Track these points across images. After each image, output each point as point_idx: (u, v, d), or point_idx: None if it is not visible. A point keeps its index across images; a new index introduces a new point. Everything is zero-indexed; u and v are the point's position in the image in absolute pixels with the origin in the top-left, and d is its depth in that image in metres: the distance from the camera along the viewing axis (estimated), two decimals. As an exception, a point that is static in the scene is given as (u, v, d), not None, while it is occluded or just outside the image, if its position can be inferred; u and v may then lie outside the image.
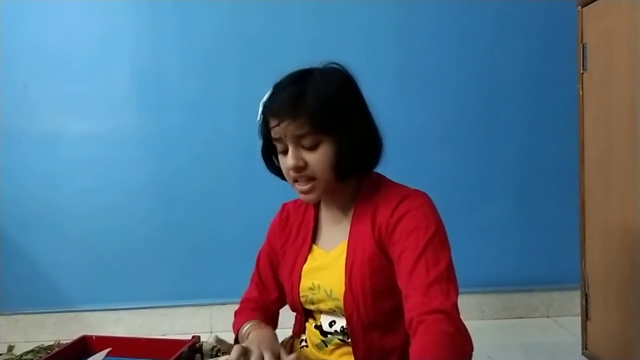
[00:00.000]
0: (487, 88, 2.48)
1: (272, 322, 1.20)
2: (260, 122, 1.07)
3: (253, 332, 1.07)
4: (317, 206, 1.17)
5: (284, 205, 1.25)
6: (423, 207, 1.02)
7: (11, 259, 2.45)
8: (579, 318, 1.97)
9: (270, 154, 1.11)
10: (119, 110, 2.48)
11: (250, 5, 2.45)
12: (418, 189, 1.07)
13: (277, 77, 1.05)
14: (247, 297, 1.24)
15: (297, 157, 1.00)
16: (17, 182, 2.45)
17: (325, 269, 1.09)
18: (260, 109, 1.04)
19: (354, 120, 1.02)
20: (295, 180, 1.04)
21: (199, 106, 2.47)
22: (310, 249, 1.13)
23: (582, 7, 1.86)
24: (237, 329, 1.15)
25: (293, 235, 1.18)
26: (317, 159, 1.00)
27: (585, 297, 1.93)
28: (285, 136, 1.00)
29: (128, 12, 2.45)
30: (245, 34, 2.46)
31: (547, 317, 2.54)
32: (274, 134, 1.01)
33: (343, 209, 1.11)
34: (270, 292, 1.23)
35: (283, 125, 0.98)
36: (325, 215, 1.15)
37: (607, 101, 1.76)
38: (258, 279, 1.24)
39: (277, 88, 1.03)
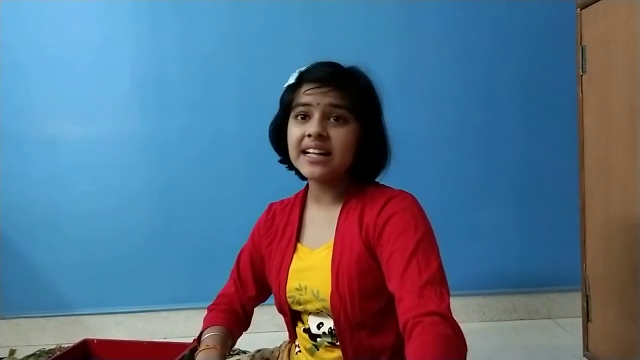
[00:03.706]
0: (486, 90, 2.49)
1: (238, 324, 1.20)
2: (287, 88, 1.07)
3: (202, 353, 1.06)
4: (302, 206, 1.18)
5: (271, 205, 1.25)
6: (411, 208, 1.02)
7: (12, 262, 2.45)
8: (580, 320, 1.97)
9: (280, 129, 1.10)
10: (119, 113, 2.49)
11: (250, 8, 2.45)
12: (404, 189, 1.08)
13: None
14: (223, 293, 1.25)
15: (322, 127, 1.01)
16: (18, 186, 2.45)
17: (312, 270, 1.09)
18: (296, 74, 1.06)
19: (380, 123, 1.10)
20: (304, 152, 1.03)
21: (200, 109, 2.48)
22: (295, 248, 1.14)
23: (581, 10, 1.86)
24: (203, 328, 1.16)
25: (279, 236, 1.18)
26: (342, 135, 1.02)
27: (586, 299, 1.92)
28: (318, 103, 1.01)
29: (128, 15, 2.46)
30: (245, 37, 2.47)
31: (549, 318, 2.54)
32: (305, 98, 1.02)
33: (329, 208, 1.11)
34: (248, 289, 1.23)
35: (324, 89, 1.00)
36: (311, 214, 1.16)
37: (607, 103, 1.76)
38: (236, 276, 1.25)
39: (321, 64, 1.07)
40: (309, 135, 1.01)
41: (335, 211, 1.10)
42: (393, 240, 0.98)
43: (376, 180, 1.14)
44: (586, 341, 1.95)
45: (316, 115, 1.01)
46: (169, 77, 2.49)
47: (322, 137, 1.00)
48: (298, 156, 1.05)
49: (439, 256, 0.97)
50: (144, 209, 2.51)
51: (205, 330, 1.14)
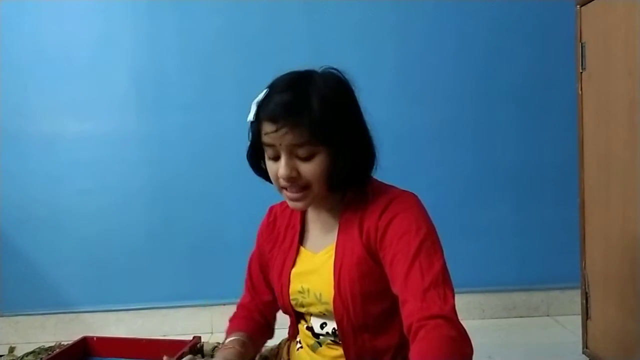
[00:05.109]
0: (485, 88, 2.48)
1: (259, 330, 1.20)
2: (252, 122, 1.02)
3: (220, 351, 1.07)
4: None
5: (271, 208, 1.23)
6: (412, 209, 1.00)
7: (11, 260, 2.45)
8: (580, 317, 1.97)
9: (257, 157, 1.07)
10: (118, 111, 2.49)
11: (249, 6, 2.45)
12: (406, 189, 1.06)
13: (275, 77, 1.03)
14: (241, 304, 1.25)
15: (291, 167, 0.97)
16: (17, 184, 2.45)
17: (314, 273, 1.08)
18: (254, 109, 1.00)
19: (352, 130, 1.00)
20: (284, 187, 1.01)
21: (198, 107, 2.48)
22: (297, 252, 1.12)
23: (580, 6, 1.86)
24: (227, 335, 1.16)
25: (281, 238, 1.17)
26: (313, 169, 0.97)
27: (586, 296, 1.93)
28: (280, 144, 0.96)
29: (126, 13, 2.45)
30: (243, 35, 2.46)
31: (548, 316, 2.54)
32: (268, 139, 0.97)
33: (330, 211, 1.10)
34: (263, 295, 1.22)
35: (281, 132, 0.94)
36: (312, 217, 1.14)
37: (606, 100, 1.76)
38: (250, 284, 1.24)
39: (275, 90, 0.98)
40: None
41: (336, 214, 1.08)
42: (395, 243, 0.96)
43: (377, 178, 1.12)
44: (585, 339, 1.95)
45: (282, 155, 0.97)
46: (168, 75, 2.48)
47: (292, 177, 0.98)
48: (280, 191, 1.04)
49: (443, 256, 0.95)
50: (143, 207, 2.51)
51: (228, 337, 1.14)
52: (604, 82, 1.77)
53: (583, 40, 1.86)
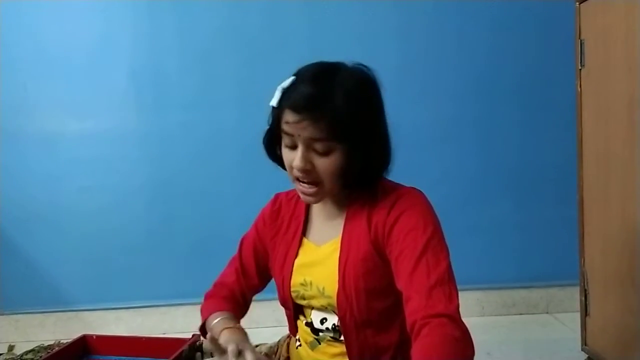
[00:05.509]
0: (485, 86, 2.49)
1: (240, 312, 1.18)
2: (274, 108, 1.00)
3: (227, 331, 1.03)
4: None
5: (277, 196, 1.22)
6: (420, 205, 1.01)
7: (11, 258, 2.45)
8: (579, 314, 1.97)
9: (273, 142, 1.06)
10: (117, 109, 2.48)
11: (248, 5, 2.44)
12: (413, 186, 1.06)
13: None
14: (222, 281, 1.22)
15: (306, 160, 0.97)
16: (17, 182, 2.45)
17: (317, 265, 1.07)
18: (279, 94, 0.98)
19: (371, 130, 1.00)
20: (297, 179, 1.01)
21: (198, 105, 2.48)
22: (300, 243, 1.12)
23: (579, 4, 1.86)
24: (206, 316, 1.13)
25: (284, 228, 1.16)
26: (327, 165, 0.97)
27: (585, 294, 1.93)
28: (299, 135, 0.95)
29: (126, 11, 2.45)
30: (243, 33, 2.46)
31: (547, 313, 2.54)
32: (288, 128, 0.96)
33: (337, 204, 1.09)
34: (250, 279, 1.20)
35: (302, 124, 0.93)
36: (318, 209, 1.13)
37: (606, 97, 1.76)
38: (239, 265, 1.21)
39: (301, 79, 0.97)
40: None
41: (342, 207, 1.08)
42: (402, 239, 0.96)
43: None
44: (584, 335, 1.96)
45: (300, 146, 0.96)
46: (167, 73, 2.48)
47: (307, 170, 0.98)
48: (293, 181, 1.03)
49: (448, 255, 0.96)
50: (142, 205, 2.51)
51: (213, 315, 1.10)
52: (603, 79, 1.77)
53: (582, 38, 1.86)
